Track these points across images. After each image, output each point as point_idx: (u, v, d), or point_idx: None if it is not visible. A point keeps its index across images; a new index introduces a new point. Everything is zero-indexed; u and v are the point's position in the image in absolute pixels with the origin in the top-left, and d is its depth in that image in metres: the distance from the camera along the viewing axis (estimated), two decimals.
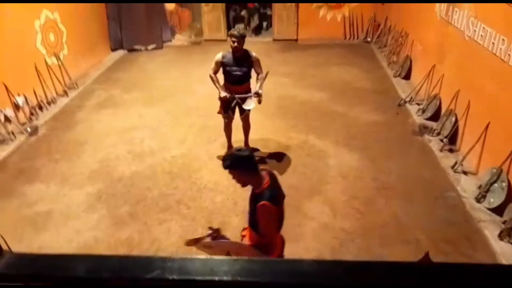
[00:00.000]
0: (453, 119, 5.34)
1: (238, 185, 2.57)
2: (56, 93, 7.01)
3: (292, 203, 4.46)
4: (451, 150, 5.23)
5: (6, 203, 4.56)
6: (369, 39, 9.72)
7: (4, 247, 0.90)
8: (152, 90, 7.40)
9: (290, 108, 6.62)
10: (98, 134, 5.95)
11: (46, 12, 6.89)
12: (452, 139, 5.32)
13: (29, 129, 5.94)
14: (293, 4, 9.65)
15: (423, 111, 6.12)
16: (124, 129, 6.07)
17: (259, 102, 4.77)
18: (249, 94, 4.84)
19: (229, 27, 9.71)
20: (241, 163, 2.40)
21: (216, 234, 2.52)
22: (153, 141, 5.71)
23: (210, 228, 2.60)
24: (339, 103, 6.72)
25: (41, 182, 4.92)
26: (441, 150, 5.25)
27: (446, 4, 5.84)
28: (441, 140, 5.39)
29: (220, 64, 4.73)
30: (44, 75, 6.73)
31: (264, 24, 10.84)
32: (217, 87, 4.79)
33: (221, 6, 9.89)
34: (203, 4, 9.83)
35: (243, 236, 2.76)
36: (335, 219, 4.21)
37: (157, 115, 6.49)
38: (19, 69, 6.21)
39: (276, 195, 2.48)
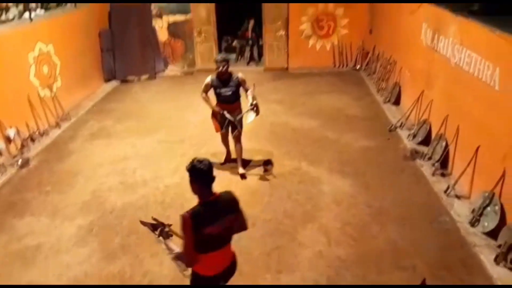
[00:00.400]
0: (444, 143, 5.40)
1: None
2: (49, 124, 7.00)
3: (287, 230, 4.43)
4: (443, 174, 5.26)
5: None
6: (358, 67, 9.92)
7: None
8: (145, 120, 7.43)
9: (282, 135, 6.67)
10: (90, 165, 5.92)
11: (40, 44, 6.98)
12: (444, 163, 5.36)
13: (20, 161, 5.88)
14: (283, 34, 9.88)
15: (414, 136, 6.19)
16: (117, 159, 6.05)
17: (257, 113, 5.17)
18: (247, 109, 5.20)
19: None
20: (195, 173, 2.60)
21: (162, 227, 2.73)
22: (146, 171, 5.68)
23: (155, 219, 2.80)
24: (330, 129, 6.79)
25: (31, 215, 4.84)
26: (433, 175, 5.28)
27: (431, 32, 6.02)
28: (433, 165, 5.43)
29: (210, 86, 5.22)
30: (37, 107, 6.74)
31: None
32: (208, 103, 5.28)
33: (213, 37, 10.10)
34: (195, 35, 10.03)
35: None
36: (330, 247, 4.17)
37: (150, 145, 6.49)
38: (12, 101, 6.21)
39: (205, 214, 2.53)
